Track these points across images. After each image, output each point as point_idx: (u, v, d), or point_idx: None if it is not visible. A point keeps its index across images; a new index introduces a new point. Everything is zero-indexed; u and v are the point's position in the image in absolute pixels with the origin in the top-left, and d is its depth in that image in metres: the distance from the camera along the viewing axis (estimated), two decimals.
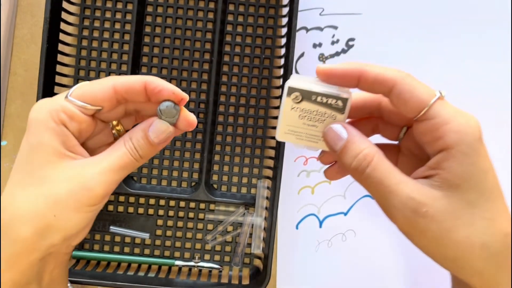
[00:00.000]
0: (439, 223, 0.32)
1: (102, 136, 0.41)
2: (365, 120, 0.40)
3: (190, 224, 0.63)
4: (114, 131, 0.42)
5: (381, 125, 0.40)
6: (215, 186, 0.63)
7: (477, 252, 0.32)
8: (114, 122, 0.42)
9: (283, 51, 0.62)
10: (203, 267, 0.62)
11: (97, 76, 0.62)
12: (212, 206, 0.63)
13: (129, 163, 0.37)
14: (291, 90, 0.36)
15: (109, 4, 0.62)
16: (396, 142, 0.39)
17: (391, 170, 0.33)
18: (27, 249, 0.35)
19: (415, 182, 0.33)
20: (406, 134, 0.38)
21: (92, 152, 0.39)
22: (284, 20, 0.61)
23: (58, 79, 0.60)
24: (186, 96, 0.38)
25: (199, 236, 0.63)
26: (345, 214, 0.64)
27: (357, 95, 0.38)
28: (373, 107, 0.38)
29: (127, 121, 0.43)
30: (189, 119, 0.38)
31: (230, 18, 0.62)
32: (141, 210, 0.63)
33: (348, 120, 0.37)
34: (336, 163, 0.39)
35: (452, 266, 0.34)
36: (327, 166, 0.40)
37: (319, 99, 0.35)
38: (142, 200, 0.63)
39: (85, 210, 0.36)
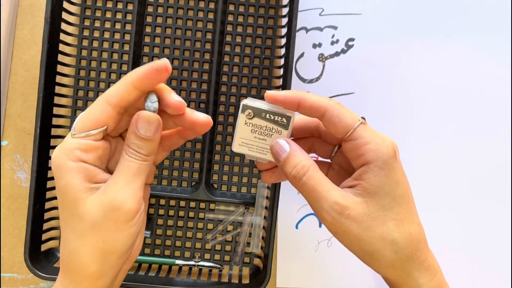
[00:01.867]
0: (359, 223, 0.39)
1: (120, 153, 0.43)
2: (304, 140, 0.46)
3: (190, 224, 0.63)
4: None
5: (317, 144, 0.46)
6: (215, 185, 0.63)
7: (388, 247, 0.39)
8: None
9: (283, 51, 0.62)
10: (203, 266, 0.62)
11: (98, 76, 0.62)
12: (212, 206, 0.63)
13: (139, 167, 0.39)
14: (245, 107, 0.42)
15: (109, 4, 0.62)
16: (328, 160, 0.47)
17: (322, 180, 0.40)
18: (96, 278, 0.39)
19: (341, 190, 0.40)
20: (338, 151, 0.45)
21: (107, 163, 0.42)
22: (284, 20, 0.62)
23: (58, 79, 0.60)
24: (163, 67, 0.39)
25: (199, 235, 0.63)
26: None
27: (300, 118, 0.44)
28: (313, 128, 0.45)
29: None
30: (171, 100, 0.40)
31: (230, 18, 0.62)
32: None
33: (292, 138, 0.43)
34: (270, 169, 0.46)
35: (370, 260, 0.41)
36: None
37: (267, 116, 0.42)
38: None
39: (125, 228, 0.39)
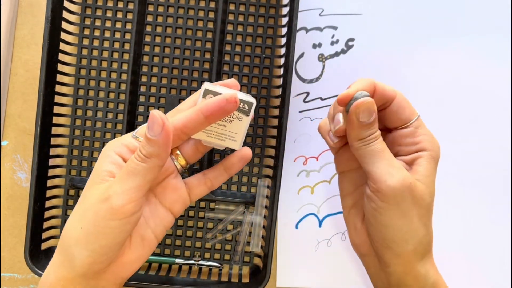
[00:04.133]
0: (414, 199, 0.41)
1: (165, 169, 0.44)
2: None
3: (190, 223, 0.63)
4: (176, 164, 0.45)
5: None
6: None
7: (422, 230, 0.42)
8: (178, 153, 0.44)
9: (283, 50, 0.62)
10: (203, 265, 0.62)
11: (98, 75, 0.62)
12: (212, 205, 0.63)
13: (135, 167, 0.38)
14: (207, 92, 0.40)
15: (110, 3, 0.62)
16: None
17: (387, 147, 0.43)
18: (71, 260, 0.39)
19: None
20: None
21: (157, 184, 0.43)
22: (285, 20, 0.62)
23: (59, 77, 0.60)
24: (232, 97, 0.40)
25: (199, 234, 0.63)
26: None
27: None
28: None
29: (187, 148, 0.45)
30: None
31: (230, 17, 0.62)
32: None
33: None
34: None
35: (396, 243, 0.42)
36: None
37: None
38: None
39: (105, 224, 0.38)
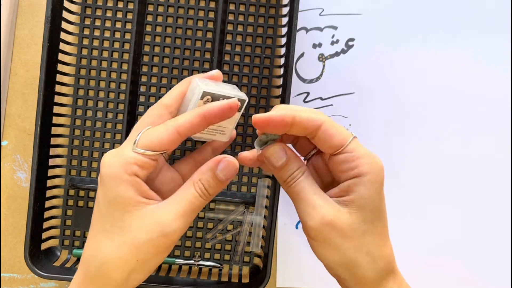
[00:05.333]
0: (339, 233, 0.39)
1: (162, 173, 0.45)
2: (288, 135, 0.45)
3: None
4: (165, 156, 0.46)
5: (301, 142, 0.46)
6: None
7: (364, 258, 0.39)
8: None
9: (283, 50, 0.62)
10: (203, 265, 0.62)
11: (98, 75, 0.62)
12: (212, 205, 0.63)
13: (199, 205, 0.40)
14: (205, 94, 0.41)
15: (110, 3, 0.62)
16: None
17: (312, 184, 0.41)
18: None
19: (328, 198, 0.40)
20: (315, 156, 0.45)
21: (151, 182, 0.43)
22: (285, 20, 0.62)
23: (59, 77, 0.60)
24: (235, 105, 0.41)
25: (199, 234, 0.63)
26: None
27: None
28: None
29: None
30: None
31: (230, 17, 0.62)
32: None
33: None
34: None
35: (344, 273, 0.41)
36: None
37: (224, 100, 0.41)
38: None
39: (163, 253, 0.40)
